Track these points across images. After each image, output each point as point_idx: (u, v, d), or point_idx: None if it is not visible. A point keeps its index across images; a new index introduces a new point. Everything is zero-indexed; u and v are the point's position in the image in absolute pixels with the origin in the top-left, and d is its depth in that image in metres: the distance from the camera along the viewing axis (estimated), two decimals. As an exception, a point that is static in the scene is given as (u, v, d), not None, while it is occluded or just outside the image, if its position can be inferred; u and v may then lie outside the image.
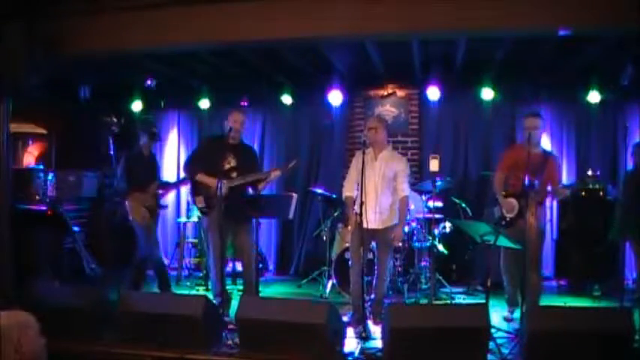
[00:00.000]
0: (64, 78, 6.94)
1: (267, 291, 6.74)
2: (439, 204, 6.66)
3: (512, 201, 5.20)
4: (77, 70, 6.82)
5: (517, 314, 5.30)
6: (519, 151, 5.26)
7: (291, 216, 5.43)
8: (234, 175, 5.24)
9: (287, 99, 7.73)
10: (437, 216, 6.52)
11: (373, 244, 5.50)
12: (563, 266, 7.08)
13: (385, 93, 7.77)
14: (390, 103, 7.77)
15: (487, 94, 7.10)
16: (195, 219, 7.46)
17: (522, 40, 5.67)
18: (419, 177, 7.42)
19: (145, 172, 5.92)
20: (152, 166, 5.96)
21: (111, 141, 5.85)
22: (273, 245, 8.24)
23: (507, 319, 5.33)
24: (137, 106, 8.00)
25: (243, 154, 5.40)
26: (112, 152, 5.81)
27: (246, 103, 7.86)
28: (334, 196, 6.88)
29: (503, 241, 4.76)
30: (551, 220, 7.20)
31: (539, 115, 5.35)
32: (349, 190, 5.32)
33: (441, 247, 6.60)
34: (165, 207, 6.45)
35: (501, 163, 5.44)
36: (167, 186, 6.12)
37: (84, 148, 7.69)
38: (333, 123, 7.95)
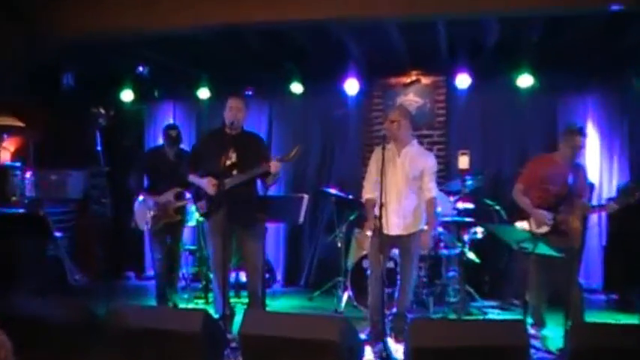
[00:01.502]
0: (45, 64, 6.95)
1: (275, 304, 6.75)
2: (469, 206, 6.62)
3: (545, 213, 5.18)
4: (60, 54, 6.83)
5: (545, 332, 5.35)
6: (549, 164, 5.37)
7: (301, 220, 5.43)
8: (235, 172, 5.21)
9: (296, 87, 7.73)
10: (467, 219, 6.49)
11: (395, 251, 5.46)
12: (612, 278, 6.99)
13: (408, 80, 7.75)
14: (413, 92, 7.75)
15: (524, 81, 7.04)
16: (193, 223, 7.48)
17: (564, 18, 5.60)
18: (446, 176, 7.38)
19: (163, 176, 6.18)
20: (176, 171, 6.03)
21: (98, 135, 5.87)
22: (281, 253, 8.25)
23: (533, 337, 5.28)
24: (128, 95, 8.02)
25: (245, 145, 5.34)
26: (99, 148, 5.85)
27: (250, 93, 7.88)
28: (350, 197, 6.89)
29: (543, 249, 4.72)
30: (599, 224, 7.14)
31: (586, 134, 5.49)
32: (370, 192, 5.28)
33: (471, 255, 6.55)
34: (187, 217, 6.62)
35: (524, 175, 5.49)
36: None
37: (67, 143, 7.73)
38: (349, 115, 7.95)
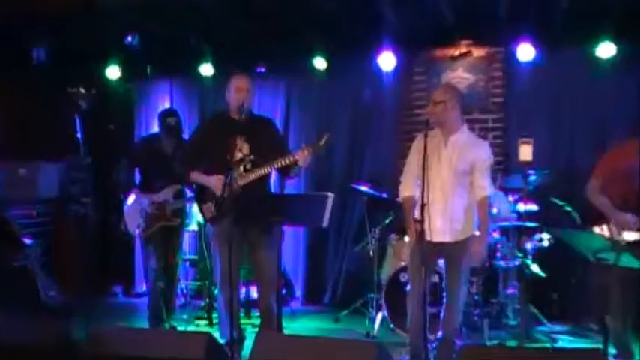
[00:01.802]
0: (13, 35, 6.98)
1: (293, 326, 6.83)
2: (533, 207, 6.60)
3: (629, 216, 5.10)
4: (31, 23, 6.83)
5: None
6: (636, 154, 5.20)
7: (325, 223, 5.40)
8: (248, 166, 5.24)
9: (320, 63, 7.77)
10: (530, 224, 6.47)
11: (440, 262, 5.45)
12: None
13: (457, 53, 7.70)
14: (463, 67, 7.71)
15: (605, 50, 6.94)
16: (194, 227, 7.54)
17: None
18: (504, 170, 7.30)
19: (159, 170, 6.26)
20: (172, 165, 6.10)
21: (78, 120, 5.90)
22: (300, 263, 8.31)
23: None
24: (114, 72, 8.12)
25: (258, 133, 5.37)
26: (79, 136, 5.87)
27: (262, 69, 7.92)
28: (385, 195, 6.91)
29: (628, 260, 4.63)
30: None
31: None
32: (408, 189, 5.27)
33: (535, 268, 6.51)
34: (188, 221, 6.76)
35: (601, 169, 5.39)
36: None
37: (39, 131, 7.81)
38: (383, 95, 7.93)
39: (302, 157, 5.10)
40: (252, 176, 5.20)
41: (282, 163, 5.17)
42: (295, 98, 8.32)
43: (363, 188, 7.00)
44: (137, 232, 6.32)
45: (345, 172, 8.04)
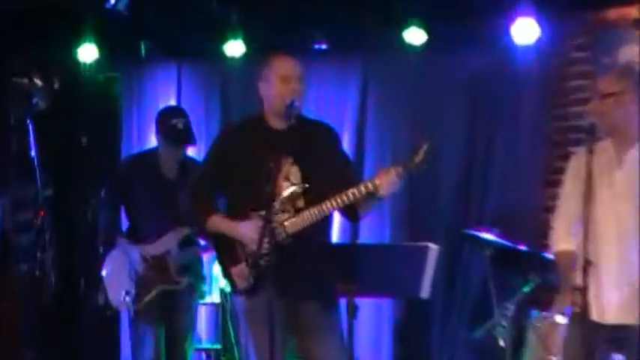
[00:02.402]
0: None
1: None
2: None
3: None
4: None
5: None
6: None
7: (425, 293, 5.17)
8: (300, 203, 5.17)
9: (415, 35, 7.67)
10: None
11: (617, 358, 5.15)
12: None
13: (640, 15, 7.54)
14: None
15: None
16: (214, 299, 7.64)
17: None
18: None
19: (156, 207, 6.51)
20: (177, 197, 6.16)
21: (31, 129, 5.87)
22: (385, 355, 8.28)
23: None
24: (89, 52, 8.06)
25: (312, 150, 5.25)
26: (33, 153, 5.84)
27: (323, 46, 8.04)
28: (522, 247, 6.72)
29: None
30: None
31: None
32: (565, 239, 5.14)
33: None
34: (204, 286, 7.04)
35: None
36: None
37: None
38: (520, 83, 7.82)
39: (386, 181, 4.90)
40: (308, 218, 5.06)
41: (355, 195, 4.97)
42: (375, 89, 8.31)
43: (487, 236, 6.79)
44: (124, 302, 6.35)
45: (456, 209, 8.01)
